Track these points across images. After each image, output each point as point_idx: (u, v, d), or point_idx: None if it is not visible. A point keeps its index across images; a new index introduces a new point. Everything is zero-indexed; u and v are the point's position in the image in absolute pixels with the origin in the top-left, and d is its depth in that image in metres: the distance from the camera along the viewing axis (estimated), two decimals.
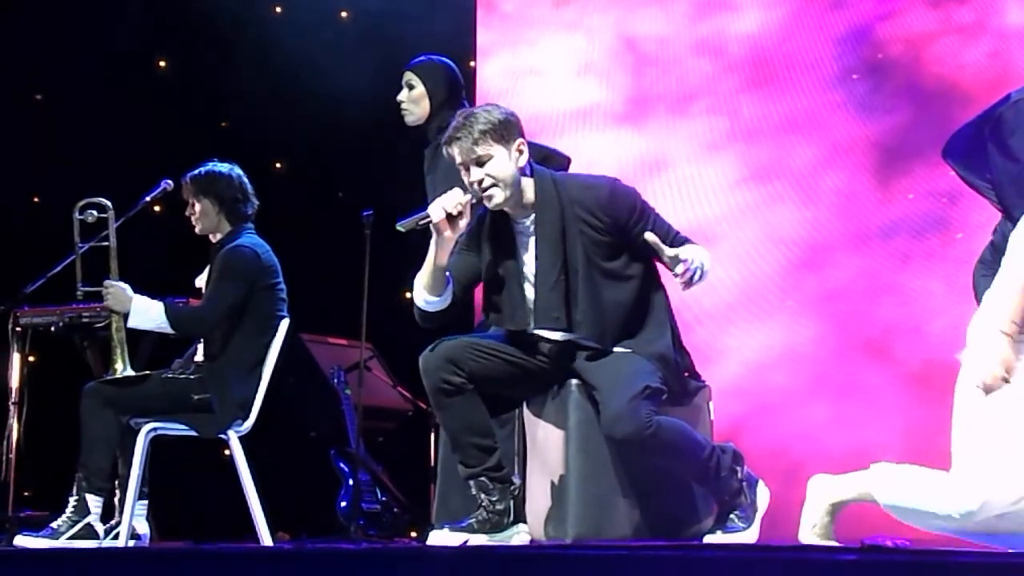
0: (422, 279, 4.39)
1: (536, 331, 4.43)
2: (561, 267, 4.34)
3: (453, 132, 4.35)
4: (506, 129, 4.33)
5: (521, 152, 4.36)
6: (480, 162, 4.32)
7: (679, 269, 4.25)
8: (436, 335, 4.43)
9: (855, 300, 6.83)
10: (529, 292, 4.42)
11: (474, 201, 4.31)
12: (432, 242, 4.33)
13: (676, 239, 4.40)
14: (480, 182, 4.31)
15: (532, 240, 4.39)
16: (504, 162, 4.32)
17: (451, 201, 4.28)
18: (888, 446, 6.55)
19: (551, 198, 4.36)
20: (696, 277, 4.28)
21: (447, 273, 4.39)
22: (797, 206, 6.98)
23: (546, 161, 4.65)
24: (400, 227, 4.36)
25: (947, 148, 4.33)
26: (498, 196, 4.32)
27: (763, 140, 7.09)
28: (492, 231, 4.44)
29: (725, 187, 7.09)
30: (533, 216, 4.38)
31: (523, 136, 4.39)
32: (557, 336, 4.44)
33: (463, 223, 4.30)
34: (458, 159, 4.35)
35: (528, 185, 4.38)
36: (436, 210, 4.27)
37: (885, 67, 6.91)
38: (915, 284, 6.71)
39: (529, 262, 4.41)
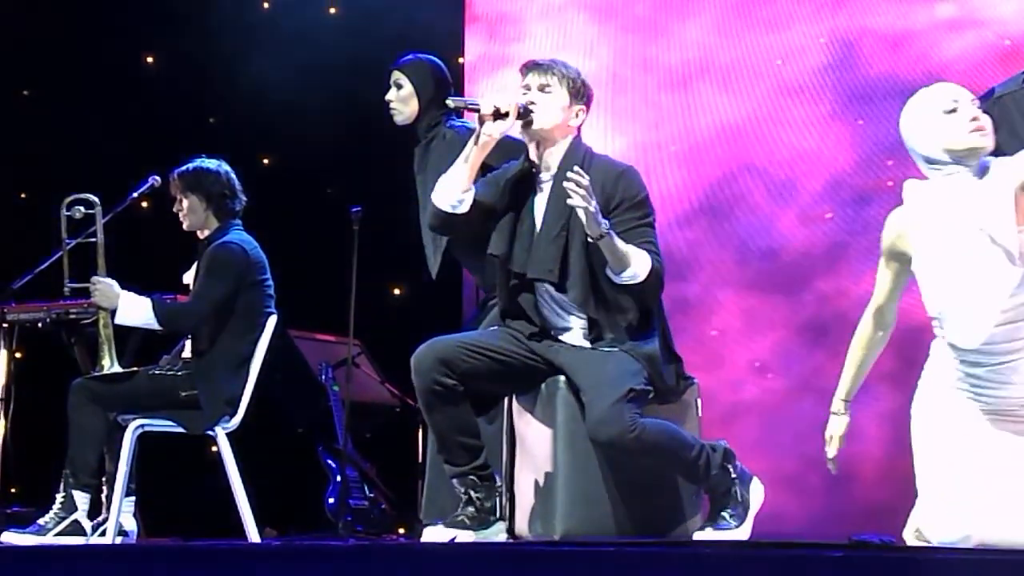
0: (449, 177, 4.48)
1: (530, 279, 4.46)
2: (564, 225, 4.41)
3: (536, 60, 4.55)
4: (579, 88, 4.52)
5: (578, 116, 4.51)
6: (541, 88, 4.48)
7: (572, 183, 4.22)
8: (427, 334, 4.45)
9: (839, 299, 6.82)
10: (533, 241, 4.48)
11: (521, 110, 4.41)
12: (471, 141, 4.45)
13: (640, 244, 4.37)
14: (532, 102, 4.44)
15: (548, 196, 4.49)
16: (560, 103, 4.48)
17: (503, 98, 4.45)
18: (872, 445, 6.56)
19: (575, 163, 4.43)
20: (581, 200, 4.21)
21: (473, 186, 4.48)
22: (782, 205, 6.97)
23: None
24: (449, 101, 4.66)
25: None
26: (536, 120, 4.44)
27: (748, 132, 7.08)
28: (518, 177, 4.55)
29: (711, 182, 7.08)
30: (555, 173, 4.47)
31: (587, 109, 4.54)
32: (548, 290, 4.45)
33: (506, 125, 4.42)
34: (525, 80, 4.51)
35: (565, 145, 4.49)
36: (487, 102, 4.43)
37: (864, 60, 6.91)
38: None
39: (540, 215, 4.49)
